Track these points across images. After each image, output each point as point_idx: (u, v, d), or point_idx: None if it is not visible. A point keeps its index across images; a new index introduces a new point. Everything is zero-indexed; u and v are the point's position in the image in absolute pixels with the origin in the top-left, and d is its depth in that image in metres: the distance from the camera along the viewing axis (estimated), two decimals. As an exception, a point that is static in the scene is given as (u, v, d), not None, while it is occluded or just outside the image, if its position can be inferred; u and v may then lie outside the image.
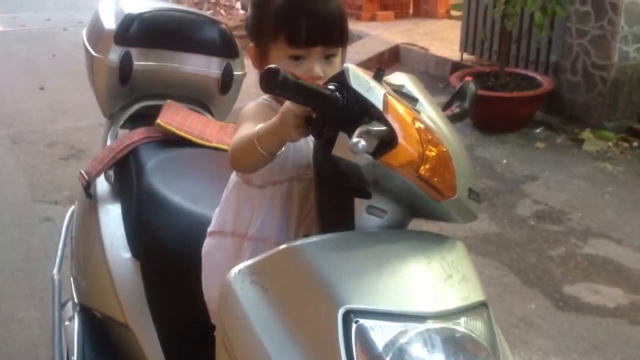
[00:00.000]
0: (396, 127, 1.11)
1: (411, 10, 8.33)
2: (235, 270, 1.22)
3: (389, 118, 1.11)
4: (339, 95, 1.13)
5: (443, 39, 6.93)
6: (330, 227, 1.26)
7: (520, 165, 4.50)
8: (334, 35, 1.39)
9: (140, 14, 2.18)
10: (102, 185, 2.09)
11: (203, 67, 2.28)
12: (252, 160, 1.31)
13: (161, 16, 2.23)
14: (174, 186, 1.87)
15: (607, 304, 3.05)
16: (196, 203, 1.79)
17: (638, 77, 4.83)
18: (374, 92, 1.13)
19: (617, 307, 3.02)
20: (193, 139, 2.09)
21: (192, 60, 2.26)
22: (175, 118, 2.11)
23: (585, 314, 2.98)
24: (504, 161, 4.56)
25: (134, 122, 2.25)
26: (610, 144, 4.76)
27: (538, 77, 5.17)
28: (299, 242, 1.19)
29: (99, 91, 2.29)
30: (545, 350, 2.73)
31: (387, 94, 1.13)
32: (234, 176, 1.50)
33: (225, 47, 2.28)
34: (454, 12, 7.98)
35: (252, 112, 1.41)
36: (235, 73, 2.31)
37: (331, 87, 1.15)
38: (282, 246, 1.20)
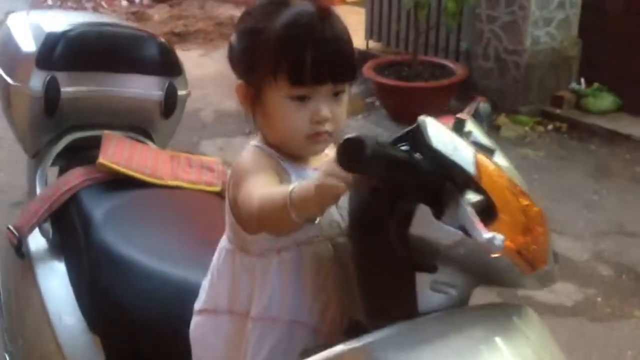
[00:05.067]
0: (492, 194, 0.89)
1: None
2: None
3: (483, 185, 0.89)
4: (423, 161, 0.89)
5: (344, 26, 6.74)
6: (383, 310, 1.03)
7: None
8: (345, 69, 1.15)
9: (65, 32, 1.83)
10: (37, 242, 1.74)
11: (142, 88, 1.96)
12: (285, 227, 1.08)
13: (90, 33, 1.89)
14: (133, 241, 1.58)
15: (563, 302, 2.99)
16: (164, 261, 1.52)
17: (550, 60, 4.85)
18: (461, 153, 0.90)
19: (574, 305, 2.97)
20: (145, 178, 1.77)
21: (129, 82, 1.94)
22: (121, 154, 1.79)
23: (545, 315, 2.90)
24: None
25: (64, 157, 1.91)
26: (527, 128, 4.76)
27: (450, 64, 5.09)
28: (365, 341, 0.95)
29: (20, 126, 1.92)
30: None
31: (477, 155, 0.90)
32: (225, 243, 1.23)
33: (166, 64, 1.98)
34: (348, -2, 7.80)
35: (253, 164, 1.16)
36: (179, 93, 2.01)
37: (404, 147, 0.90)
38: (344, 347, 0.95)
